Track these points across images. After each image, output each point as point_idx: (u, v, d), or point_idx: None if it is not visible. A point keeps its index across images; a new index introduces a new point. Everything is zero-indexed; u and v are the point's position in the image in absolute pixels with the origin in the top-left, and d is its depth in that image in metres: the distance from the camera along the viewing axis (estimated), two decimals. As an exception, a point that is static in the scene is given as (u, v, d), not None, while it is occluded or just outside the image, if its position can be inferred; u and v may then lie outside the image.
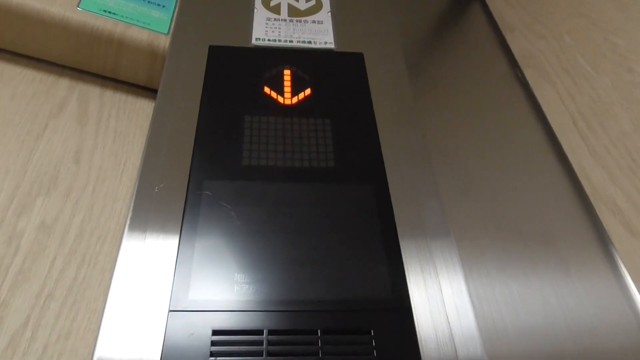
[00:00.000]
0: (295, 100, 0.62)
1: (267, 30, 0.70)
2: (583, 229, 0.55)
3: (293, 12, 0.74)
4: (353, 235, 0.50)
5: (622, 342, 0.47)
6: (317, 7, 0.75)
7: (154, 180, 0.51)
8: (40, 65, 0.75)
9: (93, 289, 0.56)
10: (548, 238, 0.54)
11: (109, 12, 0.72)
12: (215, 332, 0.42)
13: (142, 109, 0.75)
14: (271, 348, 0.42)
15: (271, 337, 0.42)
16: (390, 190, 0.53)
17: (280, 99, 0.61)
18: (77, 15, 0.70)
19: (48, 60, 0.75)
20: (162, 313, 0.43)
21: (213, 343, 0.41)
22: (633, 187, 0.60)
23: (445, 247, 0.50)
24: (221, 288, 0.44)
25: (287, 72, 0.65)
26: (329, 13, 0.74)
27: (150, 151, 0.54)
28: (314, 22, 0.73)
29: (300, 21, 0.72)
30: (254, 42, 0.68)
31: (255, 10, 0.73)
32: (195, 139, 0.55)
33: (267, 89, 0.62)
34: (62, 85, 0.74)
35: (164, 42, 0.73)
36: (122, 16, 0.73)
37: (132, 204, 0.49)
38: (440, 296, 0.46)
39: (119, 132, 0.71)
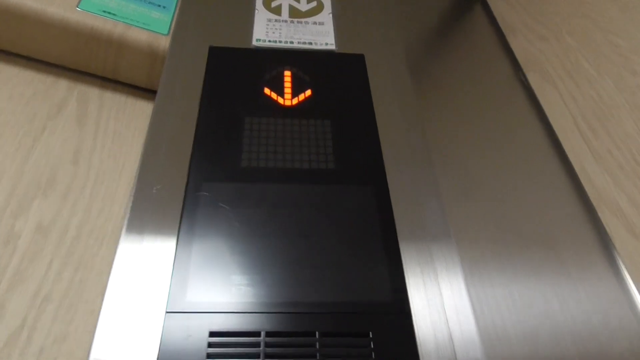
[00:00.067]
0: (295, 101, 0.61)
1: (267, 31, 0.70)
2: (585, 231, 0.55)
3: (294, 13, 0.74)
4: (352, 237, 0.49)
5: (624, 345, 0.46)
6: (318, 9, 0.75)
7: (153, 181, 0.51)
8: (39, 66, 0.75)
9: (90, 291, 0.55)
10: (549, 240, 0.53)
11: (109, 13, 0.72)
12: (212, 334, 0.41)
13: (141, 110, 0.75)
14: (269, 350, 0.41)
15: (269, 339, 0.42)
16: (390, 191, 0.53)
17: (281, 100, 0.61)
18: (76, 15, 0.70)
19: (47, 61, 0.75)
20: (158, 315, 0.42)
21: (210, 345, 0.41)
22: (636, 189, 0.60)
23: (446, 249, 0.49)
24: (219, 289, 0.44)
25: (287, 73, 0.64)
26: (330, 14, 0.74)
27: (148, 152, 0.53)
28: (315, 23, 0.72)
29: (301, 22, 0.72)
30: (254, 43, 0.68)
31: (256, 11, 0.73)
32: (194, 140, 0.55)
33: (267, 90, 0.62)
34: (61, 86, 0.74)
35: (163, 43, 0.72)
36: (121, 17, 0.72)
37: (130, 205, 0.49)
38: (440, 299, 0.46)
39: (118, 133, 0.70)
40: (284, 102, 0.61)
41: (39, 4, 0.68)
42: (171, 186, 0.51)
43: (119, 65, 0.74)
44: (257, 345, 0.41)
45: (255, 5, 0.73)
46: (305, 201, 0.52)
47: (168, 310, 0.42)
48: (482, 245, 0.52)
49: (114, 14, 0.72)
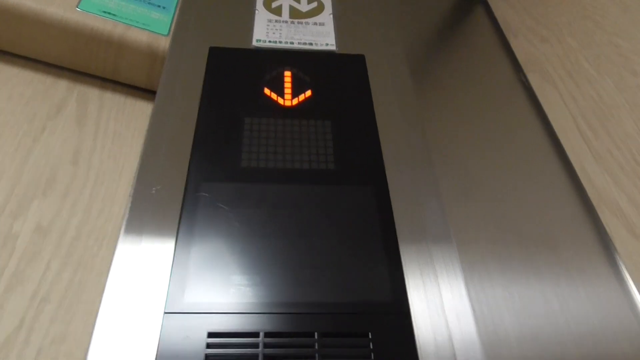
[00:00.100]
0: (295, 101, 0.61)
1: (268, 31, 0.70)
2: (585, 232, 0.54)
3: (294, 13, 0.74)
4: (352, 237, 0.49)
5: (624, 346, 0.46)
6: (318, 9, 0.75)
7: (152, 181, 0.51)
8: (38, 66, 0.75)
9: (90, 292, 0.55)
10: (550, 241, 0.53)
11: (109, 13, 0.72)
12: (210, 335, 0.41)
13: (141, 111, 0.75)
14: (268, 351, 0.41)
15: (267, 340, 0.41)
16: (390, 192, 0.53)
17: (281, 101, 0.61)
18: (76, 16, 0.70)
19: (46, 62, 0.75)
20: (157, 315, 0.42)
21: (208, 345, 0.41)
22: (636, 189, 0.60)
23: (446, 250, 0.49)
24: (217, 290, 0.44)
25: (287, 73, 0.64)
26: (331, 15, 0.74)
27: (148, 152, 0.53)
28: (315, 24, 0.72)
29: (301, 23, 0.72)
30: (254, 43, 0.68)
31: (257, 12, 0.73)
32: (193, 140, 0.55)
33: (267, 91, 0.62)
34: (61, 86, 0.74)
35: (163, 43, 0.72)
36: (121, 17, 0.72)
37: (129, 205, 0.48)
38: (439, 299, 0.45)
39: (117, 133, 0.70)
40: (284, 102, 0.61)
41: (39, 4, 0.68)
42: (170, 187, 0.51)
43: (119, 65, 0.74)
44: (256, 345, 0.41)
45: (255, 6, 0.73)
46: (305, 201, 0.51)
47: (166, 311, 0.42)
48: (482, 246, 0.51)
49: (113, 15, 0.72)
